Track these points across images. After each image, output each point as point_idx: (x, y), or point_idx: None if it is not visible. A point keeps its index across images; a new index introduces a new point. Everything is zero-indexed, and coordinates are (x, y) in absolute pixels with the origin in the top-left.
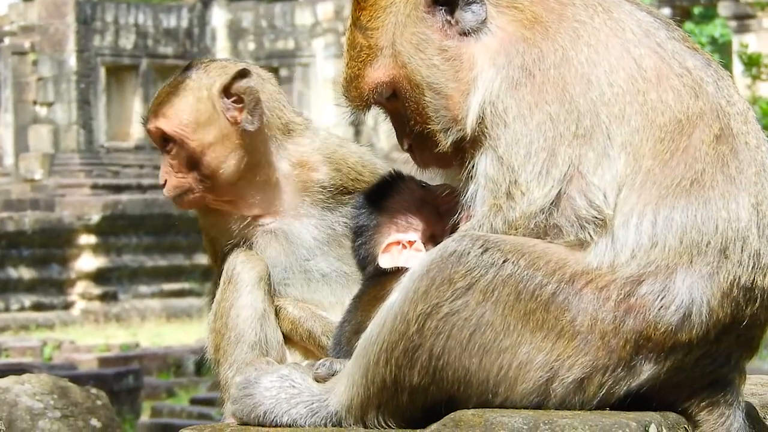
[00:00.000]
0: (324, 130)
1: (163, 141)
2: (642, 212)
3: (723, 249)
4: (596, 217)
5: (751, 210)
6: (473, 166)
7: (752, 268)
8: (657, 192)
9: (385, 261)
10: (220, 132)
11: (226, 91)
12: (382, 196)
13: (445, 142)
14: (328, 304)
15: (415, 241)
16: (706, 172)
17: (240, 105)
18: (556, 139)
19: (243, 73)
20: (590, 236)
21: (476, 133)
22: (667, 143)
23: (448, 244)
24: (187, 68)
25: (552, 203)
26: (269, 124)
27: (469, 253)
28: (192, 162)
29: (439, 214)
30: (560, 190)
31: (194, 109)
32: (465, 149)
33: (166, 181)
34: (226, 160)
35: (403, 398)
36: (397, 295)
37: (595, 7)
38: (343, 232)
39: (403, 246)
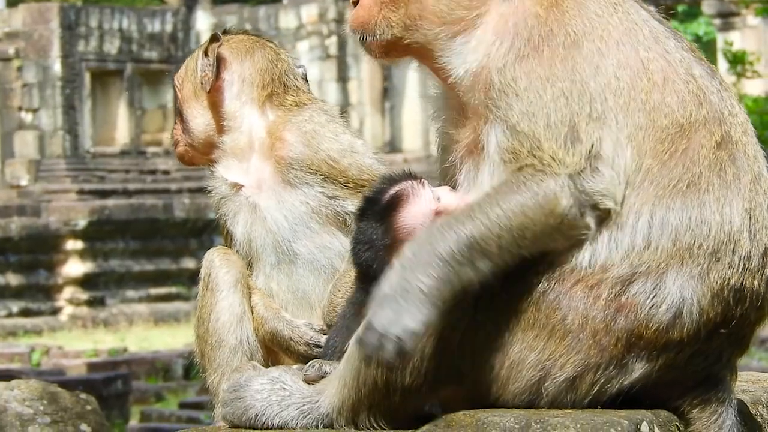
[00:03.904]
0: (322, 110)
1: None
2: (639, 212)
3: (714, 252)
4: (605, 208)
5: (744, 215)
6: (480, 144)
7: (742, 270)
8: (654, 192)
9: None
10: (194, 89)
11: (205, 55)
12: (397, 206)
13: (396, 32)
14: (316, 298)
15: None
16: (703, 175)
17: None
18: (574, 116)
19: (214, 38)
20: (591, 226)
21: (477, 102)
22: (667, 144)
23: None
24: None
25: (579, 174)
26: (248, 91)
27: None
28: (179, 113)
29: None
30: (588, 164)
31: (187, 66)
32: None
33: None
34: (196, 116)
35: (394, 399)
36: None
37: (615, 7)
38: (309, 213)
39: None
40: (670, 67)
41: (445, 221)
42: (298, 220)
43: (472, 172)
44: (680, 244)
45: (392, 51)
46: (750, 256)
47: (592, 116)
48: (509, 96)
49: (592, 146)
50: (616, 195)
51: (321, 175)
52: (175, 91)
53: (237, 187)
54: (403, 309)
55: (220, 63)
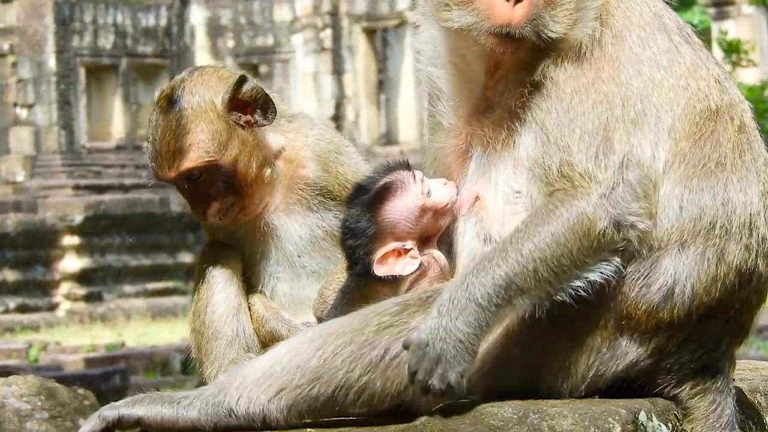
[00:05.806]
0: (319, 125)
1: (189, 178)
2: (670, 196)
3: (734, 232)
4: (642, 228)
5: (761, 197)
6: (508, 141)
7: (756, 252)
8: (685, 172)
9: (381, 270)
10: (240, 141)
11: (232, 102)
12: (384, 199)
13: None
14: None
15: (411, 249)
16: (728, 157)
17: (248, 108)
18: (611, 122)
19: (242, 80)
20: (630, 238)
21: (521, 100)
22: (699, 127)
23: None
24: (171, 102)
25: (611, 190)
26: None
27: None
28: (228, 180)
29: (436, 216)
30: (621, 178)
31: (211, 133)
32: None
33: (205, 211)
34: (251, 163)
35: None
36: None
37: None
38: (323, 235)
39: (398, 253)
40: (694, 53)
41: (480, 263)
42: (313, 239)
43: (486, 165)
44: (702, 224)
45: (537, 48)
46: (766, 239)
47: (633, 120)
48: (552, 98)
49: (626, 155)
50: (651, 209)
51: (340, 200)
52: (212, 171)
53: (258, 216)
54: (443, 360)
55: (246, 106)
